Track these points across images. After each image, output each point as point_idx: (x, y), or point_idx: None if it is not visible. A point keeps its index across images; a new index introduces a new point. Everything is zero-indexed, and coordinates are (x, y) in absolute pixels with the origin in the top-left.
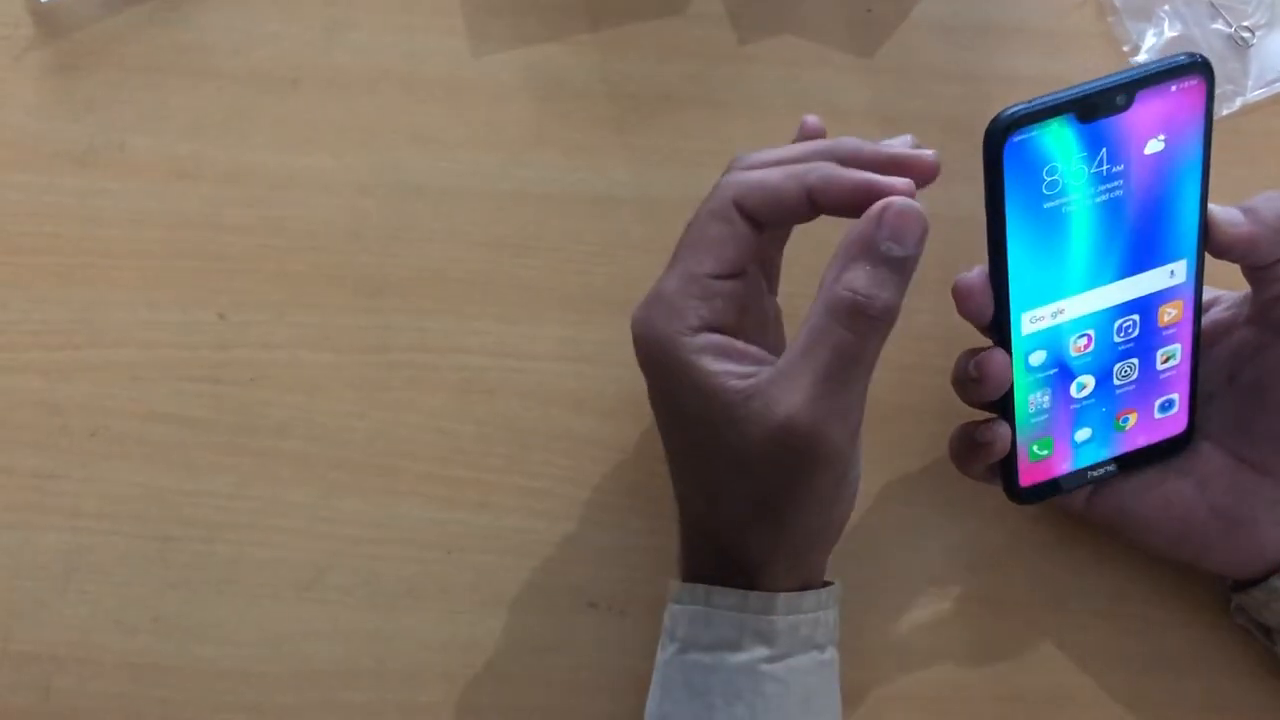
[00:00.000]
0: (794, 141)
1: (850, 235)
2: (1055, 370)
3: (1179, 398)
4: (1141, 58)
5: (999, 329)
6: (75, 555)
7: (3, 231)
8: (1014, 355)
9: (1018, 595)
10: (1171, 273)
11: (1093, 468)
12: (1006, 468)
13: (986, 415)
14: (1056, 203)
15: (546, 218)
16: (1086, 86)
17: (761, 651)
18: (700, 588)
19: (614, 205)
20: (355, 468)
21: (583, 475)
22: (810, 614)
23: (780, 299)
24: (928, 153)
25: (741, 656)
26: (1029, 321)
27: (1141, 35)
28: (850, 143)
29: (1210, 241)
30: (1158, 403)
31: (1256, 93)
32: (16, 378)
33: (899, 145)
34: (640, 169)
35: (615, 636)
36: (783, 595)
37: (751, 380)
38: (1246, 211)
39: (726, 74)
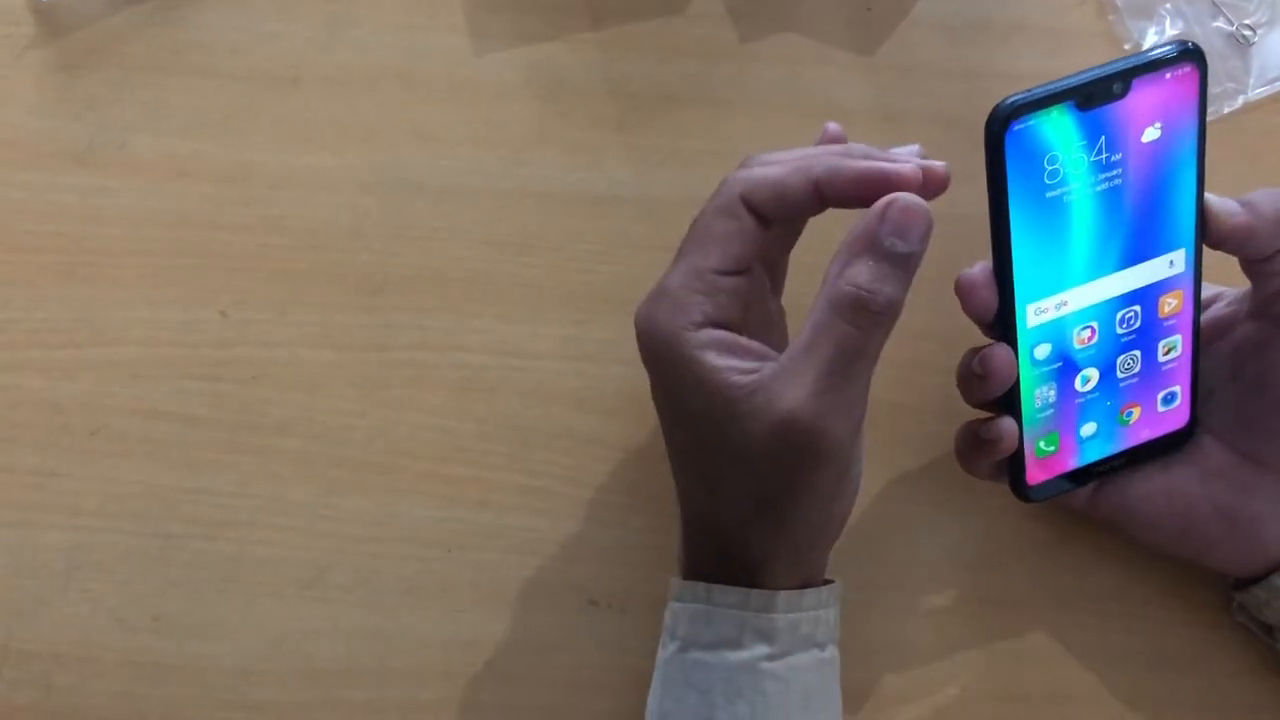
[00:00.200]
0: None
1: (854, 231)
2: (1060, 364)
3: (1180, 390)
4: None
5: (1003, 324)
6: (76, 553)
7: (4, 230)
8: (1019, 350)
9: (1018, 594)
10: (1170, 263)
11: (1098, 463)
12: (1013, 465)
13: (989, 414)
14: (1057, 192)
15: (547, 216)
16: (1084, 75)
17: (762, 649)
18: (701, 586)
19: (615, 204)
20: (356, 466)
21: (583, 474)
22: (811, 612)
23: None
24: (938, 164)
25: (742, 654)
26: (1033, 315)
27: (1142, 33)
28: (860, 149)
29: (1208, 232)
30: (1160, 395)
31: (1258, 91)
32: (17, 376)
33: (906, 154)
34: (641, 168)
35: (616, 635)
36: (783, 593)
37: (754, 376)
38: (1244, 204)
39: (727, 73)
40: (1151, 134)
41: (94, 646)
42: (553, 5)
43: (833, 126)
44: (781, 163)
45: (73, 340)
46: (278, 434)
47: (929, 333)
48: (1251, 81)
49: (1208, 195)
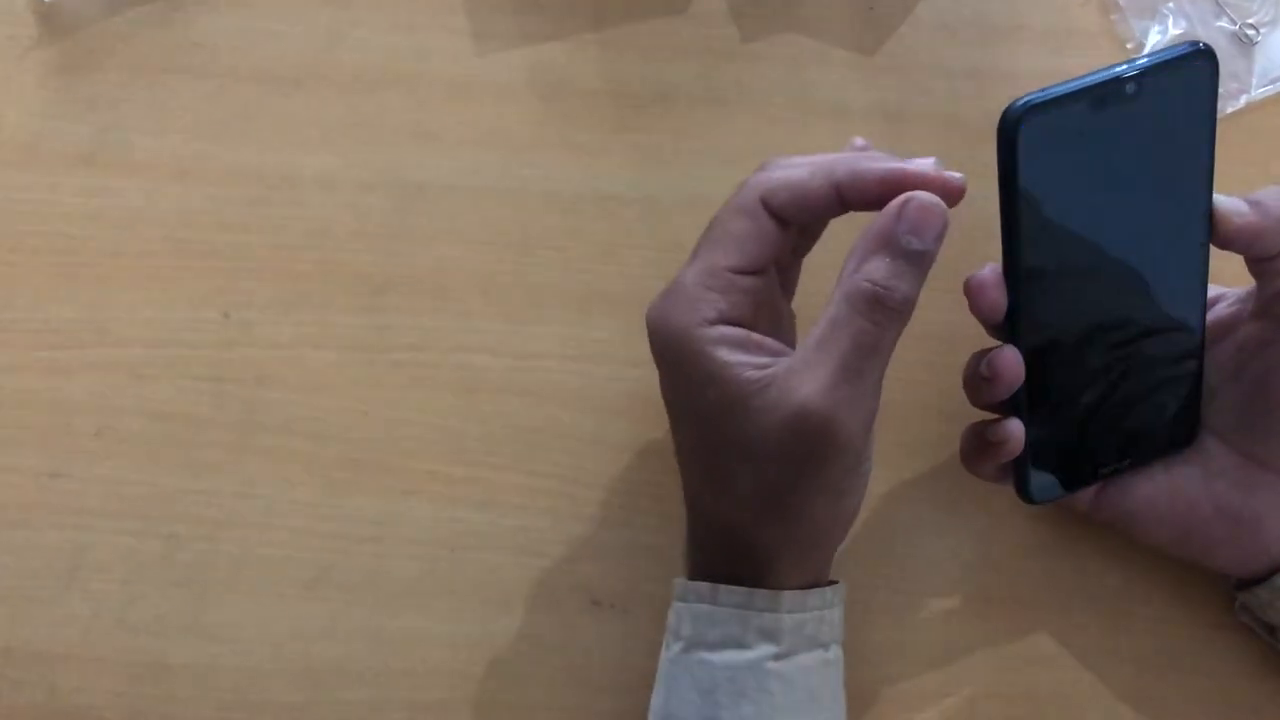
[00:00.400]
0: None
1: (871, 228)
2: (1066, 366)
3: (1185, 391)
4: None
5: (1011, 325)
6: (79, 554)
7: (7, 231)
8: (1025, 352)
9: (1023, 594)
10: (1178, 262)
11: (1103, 464)
12: (1018, 467)
13: (995, 415)
14: (1069, 192)
15: (549, 216)
16: (1096, 75)
17: (767, 649)
18: (705, 586)
19: (617, 204)
20: (358, 466)
21: (586, 473)
22: (815, 612)
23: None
24: (955, 175)
25: (747, 654)
26: (1041, 316)
27: (1145, 33)
28: (879, 155)
29: (1215, 232)
30: (1165, 396)
31: (1261, 90)
32: (21, 377)
33: (925, 165)
34: (643, 168)
35: (619, 635)
36: (788, 593)
37: (768, 370)
38: (1252, 203)
39: (729, 72)
40: (1162, 135)
41: (97, 647)
42: (554, 5)
43: (859, 142)
44: (802, 165)
45: (76, 341)
46: (280, 434)
47: (933, 333)
48: (1255, 81)
49: (1215, 195)
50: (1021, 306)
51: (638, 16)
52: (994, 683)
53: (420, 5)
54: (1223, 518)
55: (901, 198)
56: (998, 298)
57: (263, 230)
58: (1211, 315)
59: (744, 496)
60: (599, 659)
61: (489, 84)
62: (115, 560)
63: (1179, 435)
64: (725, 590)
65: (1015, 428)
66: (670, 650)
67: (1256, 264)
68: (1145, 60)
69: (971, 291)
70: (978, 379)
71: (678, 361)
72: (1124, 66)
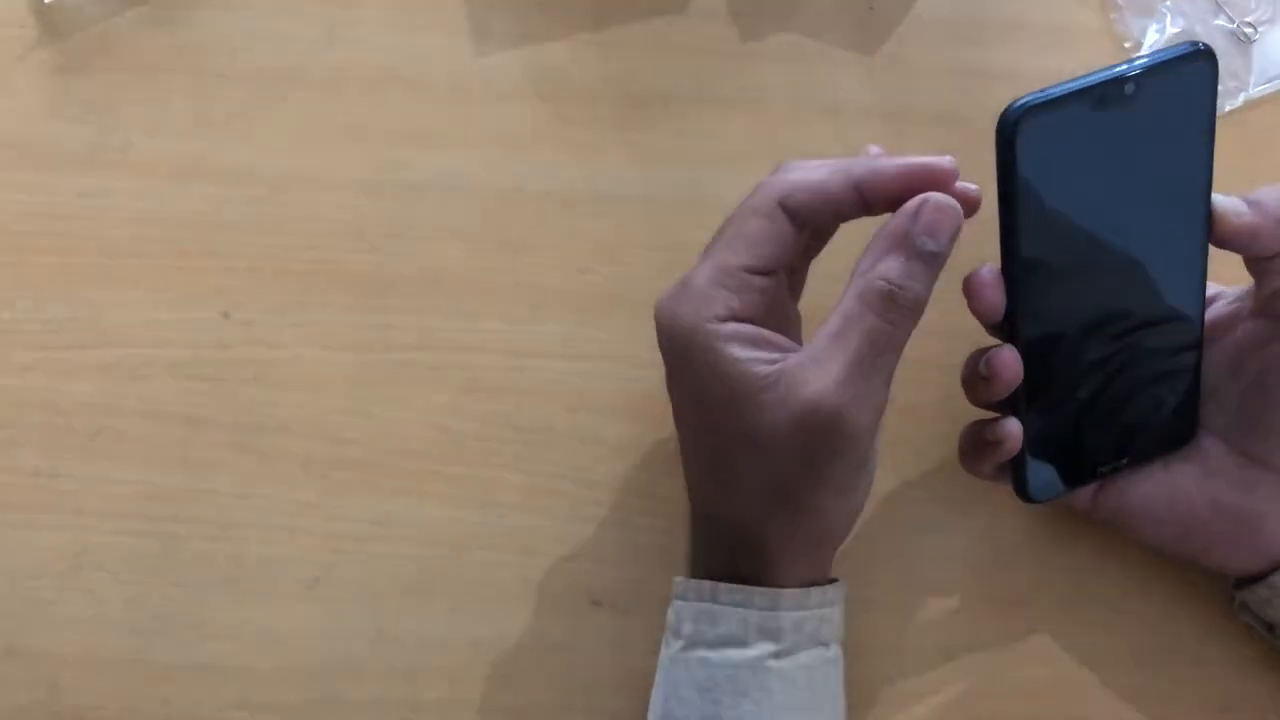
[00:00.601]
0: None
1: (886, 227)
2: (1064, 365)
3: (1183, 389)
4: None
5: (1010, 325)
6: (79, 554)
7: (6, 231)
8: (1023, 352)
9: (1022, 593)
10: (1177, 262)
11: (1101, 463)
12: (1016, 466)
13: (993, 414)
14: (1068, 192)
15: (548, 216)
16: (1095, 76)
17: (767, 647)
18: (706, 584)
19: (616, 204)
20: (358, 466)
21: (585, 473)
22: (816, 610)
23: None
24: (972, 186)
25: (747, 653)
26: (1039, 315)
27: (1144, 31)
28: (896, 157)
29: (1213, 231)
30: (1163, 395)
31: (1259, 88)
32: (20, 377)
33: (944, 160)
34: (642, 167)
35: (619, 634)
36: (788, 591)
37: (778, 365)
38: (1250, 203)
39: (728, 72)
40: (1161, 135)
41: (97, 646)
42: (554, 5)
43: (875, 149)
44: (820, 167)
45: (75, 341)
46: (280, 434)
47: (931, 331)
48: (1253, 79)
49: (1214, 194)
50: (1020, 306)
51: (637, 16)
52: (994, 680)
53: (420, 5)
54: (1221, 516)
55: (918, 199)
56: (996, 297)
57: (261, 230)
58: (1209, 314)
59: (751, 491)
60: (598, 658)
61: (488, 84)
62: (115, 560)
63: (1177, 434)
64: (725, 588)
65: (1013, 427)
66: (670, 649)
67: (1255, 263)
68: (1145, 60)
69: (970, 291)
70: (976, 378)
71: (686, 357)
72: (1123, 67)
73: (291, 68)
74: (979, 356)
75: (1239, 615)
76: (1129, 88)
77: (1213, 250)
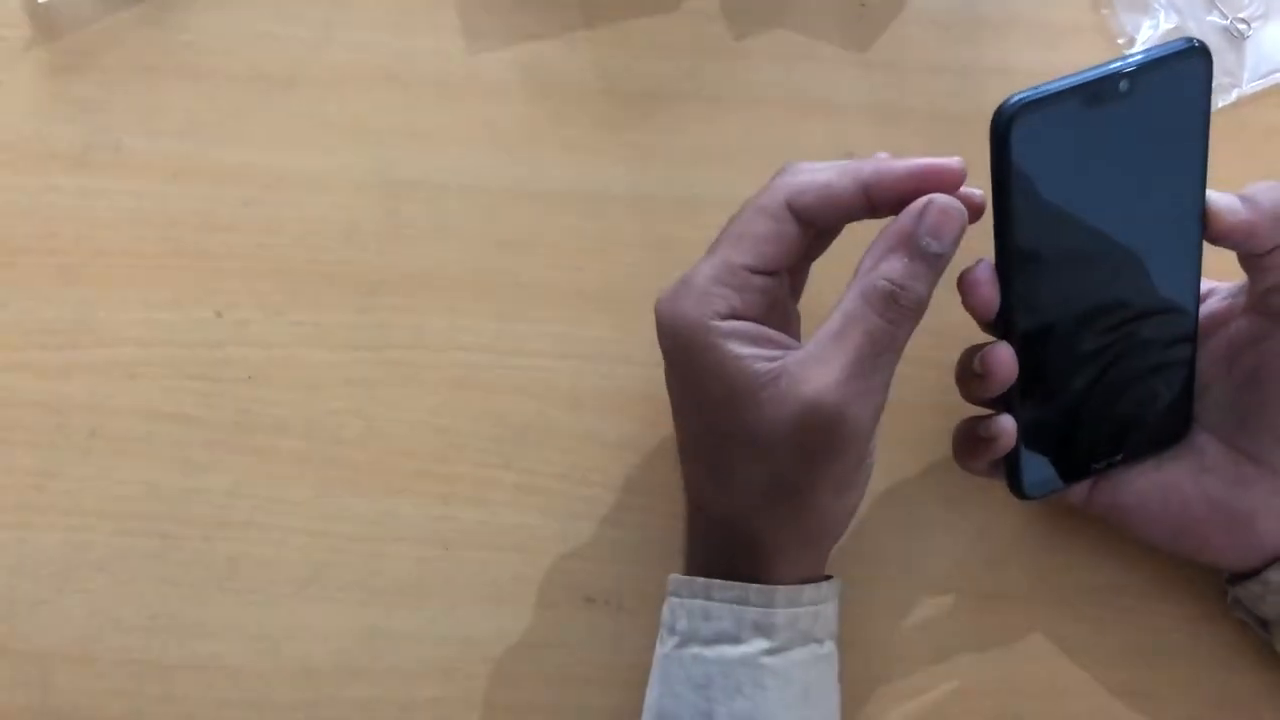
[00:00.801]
0: None
1: (890, 227)
2: (1059, 362)
3: (1178, 385)
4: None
5: (1004, 322)
6: (74, 554)
7: (0, 231)
8: (1018, 348)
9: (1015, 589)
10: (1172, 259)
11: (1095, 460)
12: (1010, 463)
13: (986, 411)
14: (1062, 189)
15: (541, 215)
16: (1089, 73)
17: (761, 644)
18: (699, 581)
19: (609, 202)
20: (352, 465)
21: (579, 471)
22: (810, 607)
23: None
24: (976, 191)
25: (742, 649)
26: (1034, 312)
27: (1137, 27)
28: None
29: (1208, 229)
30: (1157, 391)
31: (1253, 85)
32: (14, 377)
33: (952, 161)
34: (635, 165)
35: (613, 631)
36: (783, 588)
37: (779, 362)
38: (1245, 199)
39: (721, 69)
40: (1156, 132)
41: (91, 646)
42: (546, 3)
43: (883, 156)
44: (828, 169)
45: (69, 341)
46: (274, 434)
47: (924, 326)
48: (1246, 75)
49: (1208, 192)
50: (1015, 303)
51: (629, 14)
52: (988, 677)
53: (411, 4)
54: (1215, 512)
55: (923, 200)
56: (991, 294)
57: (255, 230)
58: (1203, 310)
59: (749, 487)
60: (593, 656)
61: (480, 82)
62: (109, 560)
63: (1171, 430)
64: (719, 585)
65: (1007, 424)
66: (664, 646)
67: (1249, 259)
68: (1139, 57)
69: (964, 287)
70: (970, 375)
71: (687, 352)
72: (1118, 63)
73: (283, 67)
74: (973, 353)
75: (1232, 611)
76: (1123, 84)
77: (1206, 245)
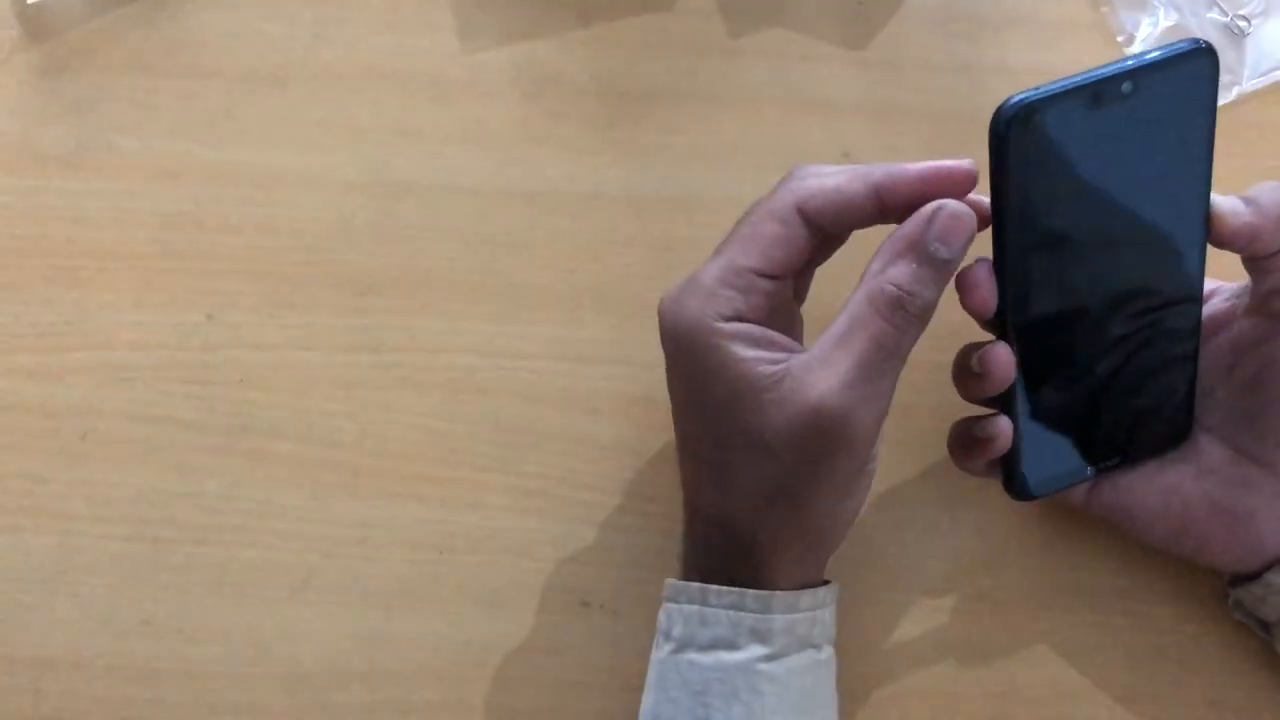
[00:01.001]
0: None
1: (899, 232)
2: (1058, 362)
3: (1179, 386)
4: (1136, 48)
5: (1003, 321)
6: (65, 557)
7: None
8: (1016, 348)
9: (1015, 591)
10: (1174, 261)
11: (1095, 461)
12: (1008, 463)
13: (984, 410)
14: (1062, 190)
15: (536, 215)
16: (1092, 73)
17: (758, 650)
18: (696, 586)
19: (603, 202)
20: (346, 468)
21: (574, 474)
22: (807, 613)
23: None
24: (985, 199)
25: (738, 655)
26: (1033, 312)
27: (1136, 25)
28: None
29: (1212, 232)
30: (1159, 393)
31: (1253, 82)
32: (5, 380)
33: (964, 163)
34: (630, 165)
35: (608, 636)
36: (779, 594)
37: (783, 365)
38: (1248, 202)
39: (717, 68)
40: (1159, 133)
41: (83, 651)
42: (541, 2)
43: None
44: (838, 173)
45: (61, 344)
46: (267, 437)
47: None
48: (1246, 73)
49: (1211, 194)
50: (1013, 303)
51: (624, 13)
52: (987, 680)
53: (405, 3)
54: (1216, 514)
55: (933, 205)
56: (989, 294)
57: (247, 231)
58: (1206, 311)
59: (750, 490)
60: (589, 660)
61: (475, 82)
62: (102, 563)
63: (1173, 431)
64: (716, 591)
65: (1004, 424)
66: (660, 651)
67: (1252, 261)
68: (1144, 58)
69: (963, 287)
70: (968, 374)
71: (690, 354)
72: (1124, 64)
73: (276, 67)
74: (971, 352)
75: (1233, 613)
76: (1126, 86)
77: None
